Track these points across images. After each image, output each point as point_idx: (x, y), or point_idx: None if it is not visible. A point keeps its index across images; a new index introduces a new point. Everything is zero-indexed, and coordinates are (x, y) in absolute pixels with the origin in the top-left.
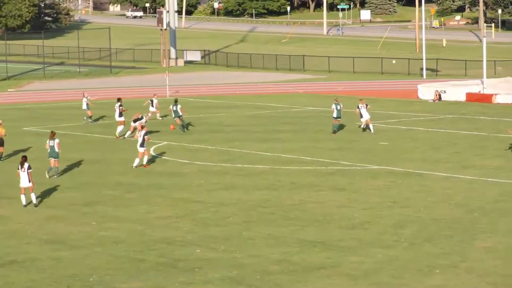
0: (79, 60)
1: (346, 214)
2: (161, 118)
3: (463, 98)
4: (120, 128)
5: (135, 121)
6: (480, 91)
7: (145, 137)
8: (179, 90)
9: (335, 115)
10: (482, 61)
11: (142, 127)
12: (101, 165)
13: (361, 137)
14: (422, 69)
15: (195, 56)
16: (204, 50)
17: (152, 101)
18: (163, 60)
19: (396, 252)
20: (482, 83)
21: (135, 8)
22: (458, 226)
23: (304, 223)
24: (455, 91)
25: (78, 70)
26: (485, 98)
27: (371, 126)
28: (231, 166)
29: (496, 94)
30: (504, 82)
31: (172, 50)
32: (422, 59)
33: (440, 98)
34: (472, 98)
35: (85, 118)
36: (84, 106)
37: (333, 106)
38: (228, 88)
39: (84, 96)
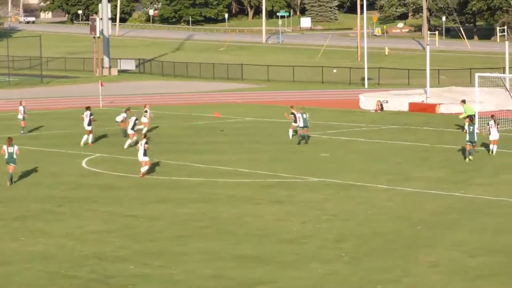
0: (9, 70)
1: (284, 227)
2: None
3: (406, 108)
4: (85, 137)
5: (133, 128)
6: (423, 101)
7: (145, 145)
8: (113, 100)
9: (301, 124)
10: (426, 70)
11: (145, 136)
12: (31, 178)
13: (301, 148)
14: (363, 78)
15: (130, 65)
16: (139, 59)
17: (147, 111)
18: (96, 69)
19: (336, 267)
20: (426, 92)
21: (27, 14)
22: (400, 239)
23: (240, 237)
24: (398, 101)
25: (7, 79)
26: (429, 108)
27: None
28: (166, 178)
29: (439, 104)
30: (448, 92)
31: (106, 59)
32: (364, 68)
33: (382, 108)
34: (415, 108)
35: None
36: (20, 116)
37: (298, 115)
38: (164, 98)
39: (21, 104)
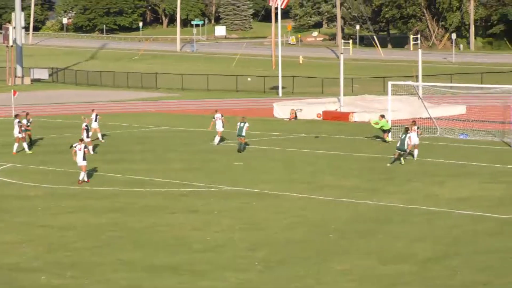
0: None
1: (198, 237)
2: (103, 140)
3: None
4: (16, 145)
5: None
6: (337, 109)
7: (85, 150)
8: (26, 109)
9: (237, 132)
10: (339, 78)
11: (81, 140)
12: None
13: (215, 157)
14: (277, 87)
15: (43, 74)
16: (52, 68)
17: (96, 116)
18: (9, 78)
19: (249, 276)
20: (339, 101)
21: None
22: (313, 248)
23: (155, 247)
24: (312, 109)
25: None
26: (342, 117)
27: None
28: (79, 188)
29: (353, 112)
30: (361, 100)
31: (19, 68)
32: (278, 76)
33: (296, 116)
34: (329, 116)
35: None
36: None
37: (238, 124)
38: (77, 107)
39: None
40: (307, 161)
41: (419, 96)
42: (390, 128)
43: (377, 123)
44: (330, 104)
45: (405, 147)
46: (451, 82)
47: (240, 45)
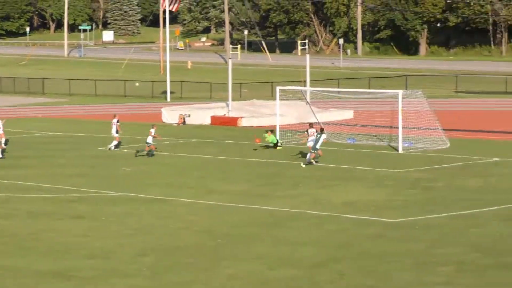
0: None
1: (85, 243)
2: (5, 146)
3: (208, 121)
4: None
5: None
6: (225, 114)
7: None
8: None
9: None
10: (228, 83)
11: None
12: None
13: (104, 162)
14: (166, 91)
15: None
16: None
17: None
18: None
19: (136, 281)
20: (228, 106)
21: None
22: (201, 253)
23: (41, 253)
24: (200, 114)
25: None
26: (230, 122)
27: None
28: None
29: (241, 117)
30: (249, 105)
31: None
32: (167, 81)
33: (184, 121)
34: (217, 121)
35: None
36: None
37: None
38: None
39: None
40: (195, 166)
41: (307, 101)
42: (278, 142)
43: (265, 138)
44: (218, 109)
45: (318, 148)
46: (338, 87)
47: (128, 50)
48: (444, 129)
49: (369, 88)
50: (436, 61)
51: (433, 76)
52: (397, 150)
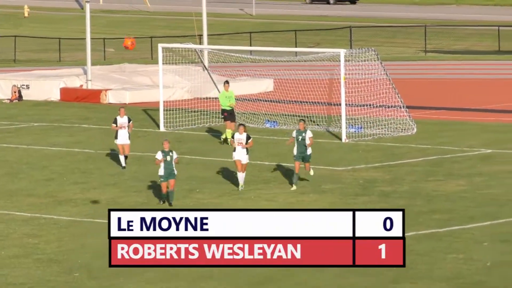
0: None
1: None
2: None
3: (56, 96)
4: None
5: None
6: (82, 86)
7: None
8: None
9: None
10: (86, 38)
11: None
12: None
13: None
14: None
15: None
16: None
17: None
18: None
19: None
20: (85, 73)
21: None
22: None
23: None
24: (44, 85)
25: None
26: (90, 96)
27: None
28: None
29: (107, 90)
30: (119, 72)
31: None
32: None
33: (20, 96)
34: (71, 96)
35: None
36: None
37: None
38: None
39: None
40: (37, 163)
41: (205, 66)
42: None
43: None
44: (71, 78)
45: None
46: (251, 45)
47: None
48: (408, 107)
49: (296, 46)
50: (395, 5)
51: (389, 28)
52: (340, 139)
